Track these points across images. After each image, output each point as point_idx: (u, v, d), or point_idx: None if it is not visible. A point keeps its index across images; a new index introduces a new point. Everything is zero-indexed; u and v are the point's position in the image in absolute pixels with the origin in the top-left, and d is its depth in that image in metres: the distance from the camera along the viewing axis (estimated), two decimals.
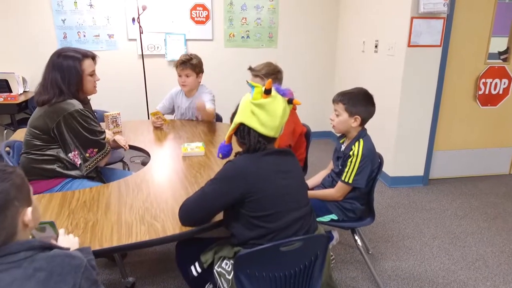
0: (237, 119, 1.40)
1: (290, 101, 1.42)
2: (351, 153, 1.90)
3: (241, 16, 4.49)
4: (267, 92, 1.36)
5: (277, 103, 1.37)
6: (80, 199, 1.61)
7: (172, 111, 3.12)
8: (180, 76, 2.90)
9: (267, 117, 1.35)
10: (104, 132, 2.00)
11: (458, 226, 2.85)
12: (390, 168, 3.53)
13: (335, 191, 1.95)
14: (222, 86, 4.60)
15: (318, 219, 2.02)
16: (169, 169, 1.97)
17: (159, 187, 1.74)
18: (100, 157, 1.94)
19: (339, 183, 1.94)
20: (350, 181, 1.89)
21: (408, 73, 3.25)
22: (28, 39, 4.20)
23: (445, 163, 3.65)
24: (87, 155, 1.89)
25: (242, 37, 4.57)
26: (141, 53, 4.26)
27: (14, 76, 4.11)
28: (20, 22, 4.14)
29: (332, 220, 2.01)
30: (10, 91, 4.11)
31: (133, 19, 4.20)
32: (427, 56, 3.22)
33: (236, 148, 1.49)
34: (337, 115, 1.96)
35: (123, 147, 2.19)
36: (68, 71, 1.86)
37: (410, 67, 3.24)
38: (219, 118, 3.23)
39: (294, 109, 2.52)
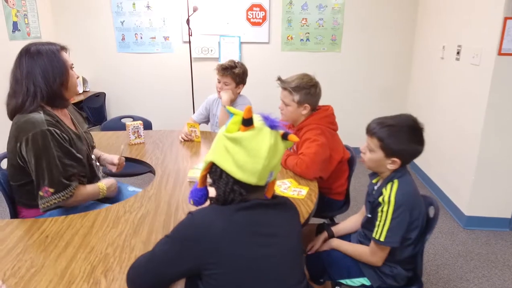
0: (208, 157, 1.04)
1: (285, 136, 1.01)
2: (380, 199, 1.41)
3: (301, 16, 4.07)
4: (246, 123, 0.97)
5: (262, 138, 0.97)
6: (45, 232, 1.38)
7: (208, 120, 2.85)
8: (218, 81, 2.62)
9: (245, 157, 0.96)
10: (76, 166, 1.59)
11: None
12: (465, 205, 2.84)
13: (370, 254, 1.46)
14: (277, 94, 4.22)
15: (345, 280, 1.56)
16: (165, 198, 1.67)
17: (138, 223, 1.44)
18: (59, 200, 1.52)
19: (372, 244, 1.45)
20: (382, 239, 1.39)
21: (497, 88, 2.55)
22: (89, 40, 4.28)
23: None
24: (41, 193, 1.51)
25: (301, 39, 4.14)
26: (194, 56, 4.09)
27: None
28: (81, 23, 4.24)
29: (363, 285, 1.53)
30: None
31: (187, 21, 4.04)
32: None
33: None
34: (370, 150, 1.47)
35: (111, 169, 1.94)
36: (50, 62, 1.53)
37: (500, 81, 2.53)
38: None
39: (334, 130, 2.07)
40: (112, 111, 4.50)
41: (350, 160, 2.13)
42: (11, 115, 1.57)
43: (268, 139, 0.97)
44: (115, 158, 2.01)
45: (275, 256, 0.98)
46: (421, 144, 1.44)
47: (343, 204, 2.19)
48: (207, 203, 1.13)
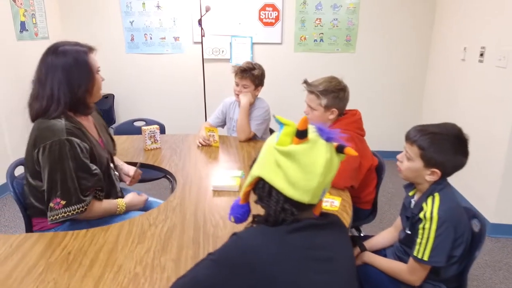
0: (255, 171, 0.94)
1: (340, 149, 0.92)
2: (421, 215, 1.31)
3: (314, 16, 3.97)
4: (300, 135, 0.87)
5: (317, 152, 0.87)
6: (67, 248, 1.28)
7: (224, 123, 2.76)
8: (237, 84, 2.52)
9: (299, 173, 0.87)
10: (91, 179, 1.49)
11: None
12: (491, 212, 2.74)
13: (409, 272, 1.36)
14: (290, 96, 4.13)
15: None
16: (190, 209, 1.57)
17: (165, 238, 1.35)
18: (69, 214, 1.44)
19: (412, 262, 1.34)
20: (426, 258, 1.29)
21: None
22: (97, 40, 4.11)
23: None
24: (52, 205, 1.43)
25: (315, 40, 4.04)
26: (205, 57, 3.99)
27: None
28: (90, 23, 4.15)
29: None
30: None
31: (199, 21, 3.94)
32: None
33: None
34: (408, 158, 1.38)
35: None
36: (76, 66, 1.46)
37: None
38: None
39: (362, 135, 1.98)
40: (121, 113, 4.41)
41: (378, 167, 2.04)
42: (34, 118, 1.49)
43: (324, 153, 0.87)
44: (131, 171, 1.91)
45: (333, 283, 0.89)
46: (466, 156, 1.35)
47: (370, 213, 2.09)
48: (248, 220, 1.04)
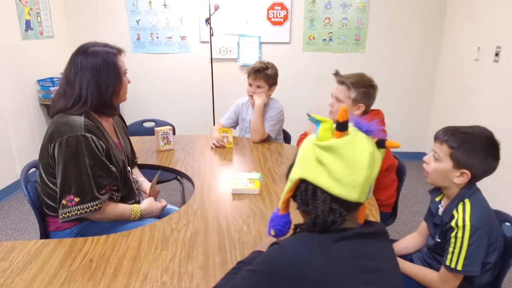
0: (295, 174, 0.88)
1: (380, 143, 0.87)
2: (453, 223, 1.26)
3: (324, 16, 3.92)
4: (341, 127, 0.82)
5: (360, 144, 0.82)
6: (88, 255, 1.23)
7: (236, 124, 2.71)
8: (250, 85, 2.47)
9: (343, 167, 0.81)
10: (107, 177, 1.46)
11: None
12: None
13: (441, 282, 1.30)
14: (298, 96, 4.10)
15: None
16: (211, 213, 1.52)
17: (189, 245, 1.29)
18: (83, 211, 1.40)
19: (444, 271, 1.29)
20: (459, 267, 1.24)
21: None
22: (103, 39, 4.05)
23: None
24: (64, 202, 1.39)
25: (324, 39, 3.99)
26: (213, 57, 3.93)
27: None
28: (95, 22, 4.09)
29: None
30: None
31: (206, 20, 3.89)
32: None
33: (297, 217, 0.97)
34: (436, 159, 1.33)
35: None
36: (106, 69, 1.47)
37: None
38: (287, 138, 2.72)
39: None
40: (126, 114, 4.35)
41: (399, 170, 1.99)
42: (54, 115, 1.47)
43: (366, 146, 0.82)
44: (149, 189, 1.82)
45: None
46: (497, 160, 1.30)
47: (390, 217, 2.05)
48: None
